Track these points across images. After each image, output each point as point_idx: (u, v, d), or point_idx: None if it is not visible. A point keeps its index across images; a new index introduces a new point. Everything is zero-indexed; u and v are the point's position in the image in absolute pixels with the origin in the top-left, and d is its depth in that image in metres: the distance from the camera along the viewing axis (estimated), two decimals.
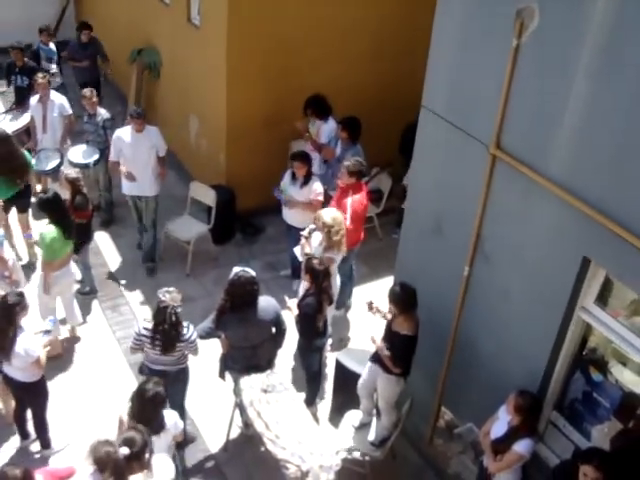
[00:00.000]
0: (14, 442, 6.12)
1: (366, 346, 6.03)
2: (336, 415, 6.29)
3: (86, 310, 7.49)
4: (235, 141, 8.43)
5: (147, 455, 4.45)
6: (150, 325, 5.46)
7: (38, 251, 7.27)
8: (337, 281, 6.73)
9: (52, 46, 10.29)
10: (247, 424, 6.03)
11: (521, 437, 4.66)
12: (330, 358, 6.75)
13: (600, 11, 3.94)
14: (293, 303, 6.17)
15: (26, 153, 7.82)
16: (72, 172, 7.13)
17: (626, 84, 3.89)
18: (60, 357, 6.85)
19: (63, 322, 7.05)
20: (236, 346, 5.69)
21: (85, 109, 8.51)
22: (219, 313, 5.62)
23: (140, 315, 7.22)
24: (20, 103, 9.49)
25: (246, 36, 7.78)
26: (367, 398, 5.89)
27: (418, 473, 6.07)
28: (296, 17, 7.89)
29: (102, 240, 8.58)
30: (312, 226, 6.60)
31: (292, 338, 6.20)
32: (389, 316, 5.57)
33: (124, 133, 7.72)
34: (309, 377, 6.35)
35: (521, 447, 4.65)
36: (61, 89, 9.80)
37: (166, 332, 5.39)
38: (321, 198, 7.32)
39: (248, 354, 5.68)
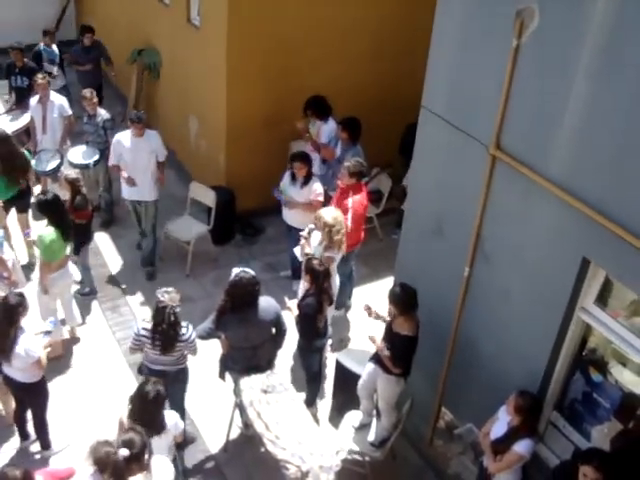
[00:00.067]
0: (14, 443, 6.12)
1: (366, 346, 6.04)
2: (336, 416, 6.28)
3: (86, 311, 7.49)
4: (235, 141, 8.43)
5: (146, 456, 4.44)
6: (149, 325, 5.46)
7: (37, 252, 7.27)
8: (336, 281, 6.73)
9: (55, 48, 10.29)
10: (247, 424, 6.03)
11: (521, 437, 4.65)
12: (330, 358, 6.75)
13: (600, 11, 3.94)
14: (293, 304, 6.17)
15: (26, 153, 7.83)
16: (72, 173, 7.12)
17: (626, 84, 3.89)
18: (61, 358, 6.85)
19: (63, 323, 7.05)
20: (236, 346, 5.68)
21: (85, 110, 8.51)
22: (219, 313, 5.61)
23: (140, 316, 7.21)
24: (20, 103, 9.48)
25: (246, 36, 7.78)
26: (367, 399, 5.88)
27: (418, 474, 6.07)
28: (296, 17, 7.89)
29: (102, 241, 8.57)
30: (311, 226, 6.60)
31: (292, 338, 6.20)
32: (388, 318, 5.57)
33: (124, 137, 7.66)
34: (309, 377, 6.35)
35: (521, 447, 4.65)
36: (63, 91, 9.80)
37: (165, 332, 5.39)
38: (321, 199, 7.32)
39: (248, 355, 5.67)
